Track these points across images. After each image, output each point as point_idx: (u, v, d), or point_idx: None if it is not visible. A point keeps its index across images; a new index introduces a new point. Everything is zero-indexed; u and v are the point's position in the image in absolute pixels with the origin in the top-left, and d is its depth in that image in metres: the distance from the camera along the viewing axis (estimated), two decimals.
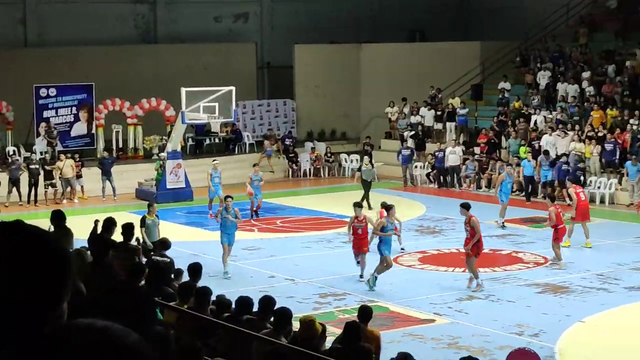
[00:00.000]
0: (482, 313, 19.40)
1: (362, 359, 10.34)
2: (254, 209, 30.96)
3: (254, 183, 30.92)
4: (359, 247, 22.09)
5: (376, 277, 21.15)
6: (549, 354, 16.50)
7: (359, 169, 33.86)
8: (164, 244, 18.18)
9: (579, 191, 26.41)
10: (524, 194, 33.76)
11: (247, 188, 30.70)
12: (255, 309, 12.28)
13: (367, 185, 32.51)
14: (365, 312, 12.86)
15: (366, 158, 34.28)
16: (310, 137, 44.84)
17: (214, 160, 33.20)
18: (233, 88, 34.10)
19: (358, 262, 22.21)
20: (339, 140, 45.76)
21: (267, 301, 11.58)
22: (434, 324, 18.84)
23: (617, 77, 38.44)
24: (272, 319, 11.44)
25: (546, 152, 33.73)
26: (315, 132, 45.52)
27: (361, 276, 21.93)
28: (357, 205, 22.81)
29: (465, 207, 21.31)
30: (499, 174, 31.94)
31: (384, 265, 21.27)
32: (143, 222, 21.77)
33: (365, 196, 31.42)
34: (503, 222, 28.50)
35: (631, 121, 34.34)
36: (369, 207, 30.31)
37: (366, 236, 22.15)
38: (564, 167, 32.71)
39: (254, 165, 32.91)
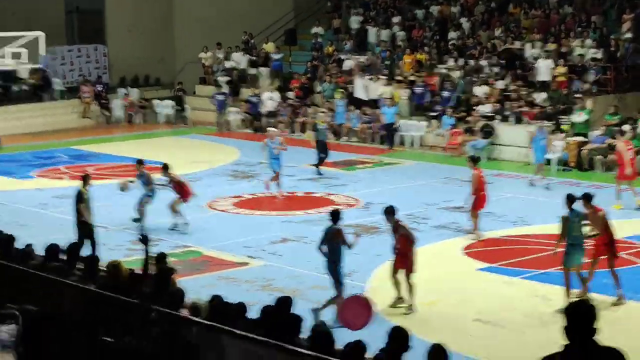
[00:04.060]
0: (295, 255, 19.62)
1: (176, 301, 10.30)
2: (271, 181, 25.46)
3: (272, 151, 25.44)
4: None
5: None
6: (359, 292, 16.82)
7: (314, 129, 29.33)
8: None
9: (630, 147, 23.65)
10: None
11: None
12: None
13: (323, 148, 28.45)
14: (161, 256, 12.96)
15: (321, 115, 30.25)
16: (123, 82, 43.99)
17: (269, 129, 27.66)
18: (41, 33, 33.09)
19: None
20: (153, 86, 45.10)
21: (74, 248, 11.39)
22: (247, 267, 18.95)
23: (425, 21, 39.26)
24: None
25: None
26: (129, 77, 44.67)
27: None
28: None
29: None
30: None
31: None
32: (81, 197, 18.82)
33: (320, 162, 28.27)
34: (531, 180, 26.31)
35: (439, 65, 35.19)
36: (319, 173, 28.07)
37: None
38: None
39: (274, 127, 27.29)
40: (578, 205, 16.44)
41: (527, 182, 26.57)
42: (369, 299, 12.63)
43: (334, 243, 15.28)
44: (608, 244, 16.46)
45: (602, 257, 16.54)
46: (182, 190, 21.98)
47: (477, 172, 21.10)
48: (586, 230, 16.40)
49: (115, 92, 41.94)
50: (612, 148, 28.23)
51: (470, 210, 21.01)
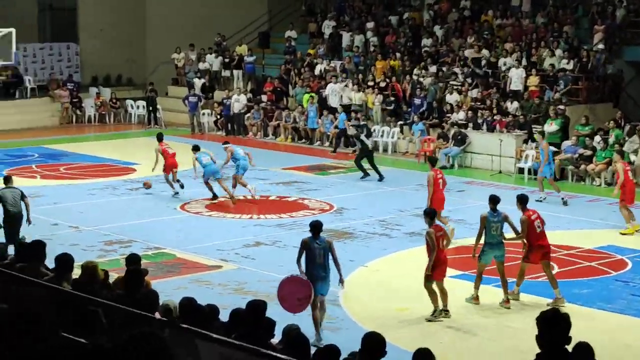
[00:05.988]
0: (268, 259, 19.59)
1: (151, 303, 10.22)
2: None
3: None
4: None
5: None
6: (332, 297, 16.84)
7: (359, 138, 29.17)
8: None
9: (628, 169, 22.79)
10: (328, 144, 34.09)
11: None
12: None
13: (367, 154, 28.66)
14: (135, 258, 12.85)
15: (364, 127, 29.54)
16: (95, 82, 43.82)
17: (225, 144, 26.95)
18: (13, 30, 32.85)
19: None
20: (125, 86, 44.92)
21: (39, 245, 11.31)
22: (221, 270, 18.91)
23: (399, 27, 39.35)
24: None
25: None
26: (101, 77, 44.50)
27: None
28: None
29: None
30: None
31: None
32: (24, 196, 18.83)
33: (365, 167, 28.40)
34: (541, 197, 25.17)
35: (415, 71, 35.26)
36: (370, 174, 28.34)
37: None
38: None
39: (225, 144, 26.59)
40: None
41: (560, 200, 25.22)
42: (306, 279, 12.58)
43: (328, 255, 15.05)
44: (527, 246, 16.88)
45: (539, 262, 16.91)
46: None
47: (432, 172, 21.05)
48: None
49: (87, 92, 41.79)
50: (583, 158, 28.44)
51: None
